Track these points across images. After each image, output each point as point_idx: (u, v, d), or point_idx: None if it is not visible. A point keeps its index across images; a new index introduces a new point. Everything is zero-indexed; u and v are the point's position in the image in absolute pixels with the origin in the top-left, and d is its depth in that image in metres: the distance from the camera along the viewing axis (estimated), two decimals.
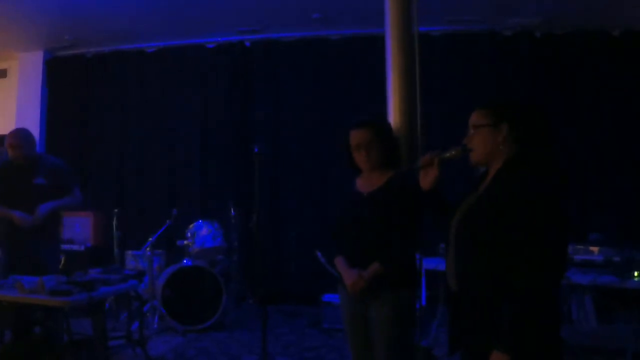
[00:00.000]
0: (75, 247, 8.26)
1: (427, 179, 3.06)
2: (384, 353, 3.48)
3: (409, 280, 3.63)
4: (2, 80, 10.76)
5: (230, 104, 9.62)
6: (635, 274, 5.39)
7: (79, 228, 8.37)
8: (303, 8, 8.32)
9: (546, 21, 8.51)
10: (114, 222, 8.01)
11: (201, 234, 7.72)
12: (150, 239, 7.56)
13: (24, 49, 10.19)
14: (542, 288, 2.47)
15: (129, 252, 8.38)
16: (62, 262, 5.34)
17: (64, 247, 7.42)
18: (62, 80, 10.27)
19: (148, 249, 7.57)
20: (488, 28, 8.86)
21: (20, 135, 5.84)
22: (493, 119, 2.77)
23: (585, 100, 8.61)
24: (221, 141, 9.57)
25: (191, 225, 7.85)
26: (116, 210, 8.05)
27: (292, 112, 9.43)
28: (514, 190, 2.57)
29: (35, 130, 9.54)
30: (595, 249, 6.12)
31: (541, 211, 2.49)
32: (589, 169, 8.43)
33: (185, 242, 7.74)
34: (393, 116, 4.33)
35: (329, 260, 6.20)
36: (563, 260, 2.59)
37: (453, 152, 2.94)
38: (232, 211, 8.23)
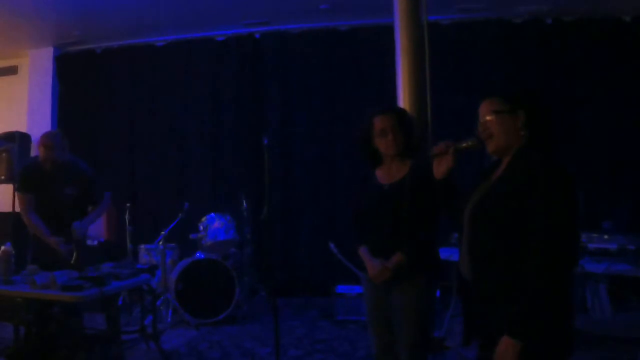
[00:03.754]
0: (88, 242, 8.26)
1: (440, 168, 3.05)
2: (406, 338, 3.56)
3: (431, 266, 3.70)
4: (13, 76, 10.78)
5: (240, 97, 9.61)
6: None
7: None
8: None
9: (556, 8, 8.45)
10: (127, 217, 8.03)
11: (213, 227, 7.73)
12: (163, 232, 7.57)
13: (34, 46, 10.20)
14: (554, 276, 2.46)
15: (142, 246, 8.36)
16: (75, 257, 5.34)
17: None
18: (73, 76, 10.28)
19: (161, 242, 7.58)
20: (498, 16, 8.81)
21: (55, 136, 5.78)
22: (510, 105, 2.75)
23: (597, 87, 8.54)
24: (232, 134, 9.57)
25: (203, 219, 7.86)
26: (128, 204, 8.06)
27: (302, 104, 9.42)
28: (526, 178, 2.55)
29: (46, 126, 9.59)
30: (609, 237, 6.08)
31: (554, 200, 2.48)
32: (602, 157, 8.37)
33: (198, 235, 7.76)
34: (403, 105, 4.32)
35: (348, 252, 6.21)
36: (576, 248, 2.58)
37: (469, 142, 2.92)
38: (244, 204, 8.21)
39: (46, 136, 5.73)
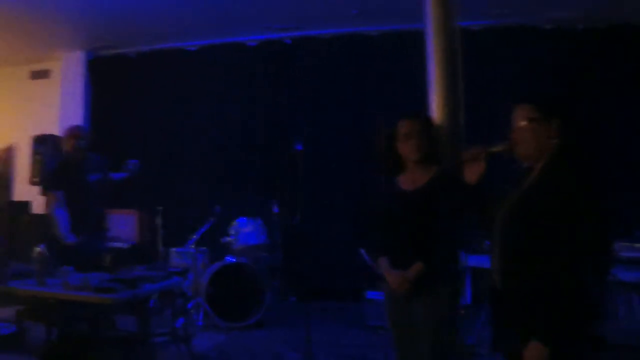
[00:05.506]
0: (120, 245, 8.32)
1: (472, 173, 3.05)
2: (428, 349, 3.49)
3: (452, 276, 3.65)
4: (46, 80, 10.91)
5: (271, 101, 9.66)
6: None
7: (123, 226, 8.43)
8: (342, 4, 8.30)
9: (588, 14, 8.38)
10: (158, 220, 8.07)
11: (244, 231, 7.77)
12: (194, 236, 7.61)
13: (66, 50, 10.31)
14: (586, 284, 2.46)
15: (173, 250, 8.42)
16: (108, 259, 5.43)
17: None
18: (105, 80, 10.37)
19: (192, 246, 7.62)
20: (528, 22, 8.76)
21: (81, 128, 6.39)
22: (543, 112, 2.74)
23: (630, 95, 8.45)
24: (263, 138, 9.60)
25: (235, 223, 7.89)
26: (160, 208, 8.10)
27: (333, 109, 9.41)
28: (560, 185, 2.54)
29: None
30: None
31: (588, 207, 2.48)
32: (635, 164, 8.28)
33: (229, 239, 7.79)
34: (436, 112, 4.32)
35: (374, 259, 6.22)
36: (609, 255, 2.58)
37: (500, 147, 2.92)
38: (275, 208, 8.23)
39: (74, 127, 6.29)
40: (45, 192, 6.05)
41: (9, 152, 10.34)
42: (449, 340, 3.55)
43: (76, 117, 10.09)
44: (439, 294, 3.51)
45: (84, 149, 6.00)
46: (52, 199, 5.87)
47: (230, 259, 7.54)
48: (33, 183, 9.12)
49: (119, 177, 6.43)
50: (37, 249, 5.01)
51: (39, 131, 9.71)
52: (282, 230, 8.34)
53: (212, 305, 7.21)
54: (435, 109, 4.40)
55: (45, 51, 10.32)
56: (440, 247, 3.50)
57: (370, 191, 8.67)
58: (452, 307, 3.59)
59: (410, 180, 3.73)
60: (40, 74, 10.96)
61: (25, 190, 9.59)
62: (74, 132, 6.01)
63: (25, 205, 9.87)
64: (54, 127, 9.93)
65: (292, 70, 9.70)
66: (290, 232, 8.42)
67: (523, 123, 2.79)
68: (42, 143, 9.47)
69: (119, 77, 10.30)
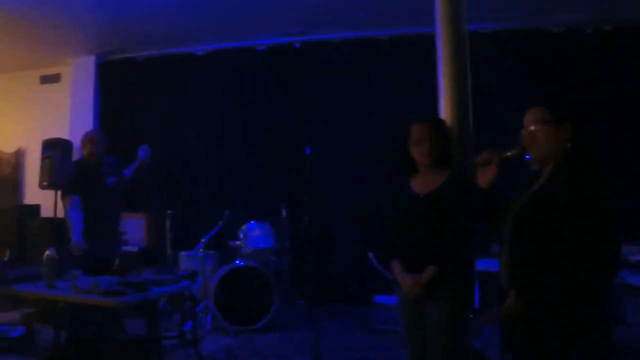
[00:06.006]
0: (128, 248, 8.33)
1: (485, 177, 3.04)
2: (439, 352, 3.50)
3: (465, 279, 3.65)
4: (56, 84, 10.94)
5: (280, 105, 9.65)
6: None
7: (132, 229, 8.46)
8: (351, 8, 8.30)
9: (596, 17, 8.36)
10: (167, 224, 8.08)
11: (253, 235, 7.77)
12: (203, 240, 7.63)
13: (76, 54, 10.34)
14: (595, 285, 2.47)
15: (182, 253, 8.43)
16: (117, 262, 5.46)
17: None
18: (114, 84, 10.41)
19: (201, 249, 7.64)
20: (537, 25, 8.74)
21: (98, 132, 6.67)
22: (557, 115, 2.75)
23: (639, 96, 8.41)
24: (273, 142, 9.58)
25: (243, 227, 7.90)
26: (169, 211, 8.11)
27: (341, 113, 9.40)
28: (570, 188, 2.55)
29: None
30: None
31: (597, 209, 2.48)
32: None
33: (238, 243, 7.80)
34: (445, 115, 4.32)
35: (384, 262, 6.21)
36: (617, 257, 2.58)
37: (514, 151, 2.91)
38: (284, 212, 8.24)
39: (91, 132, 6.42)
40: (62, 196, 6.15)
41: (19, 156, 10.46)
42: (460, 343, 3.57)
43: (86, 121, 10.14)
44: (451, 297, 3.52)
45: (101, 153, 6.09)
46: (68, 203, 5.93)
47: (239, 262, 7.56)
48: (43, 187, 9.14)
49: (132, 169, 6.57)
50: (47, 252, 5.03)
51: (49, 135, 9.73)
52: (290, 234, 8.35)
53: (221, 308, 7.22)
54: (445, 112, 4.40)
55: (55, 56, 10.35)
56: (452, 250, 3.51)
57: (381, 195, 8.70)
58: (464, 310, 3.60)
59: (423, 183, 3.74)
60: (50, 79, 11.00)
61: (36, 193, 9.65)
62: (91, 137, 6.09)
63: (35, 208, 9.94)
64: (63, 131, 9.96)
65: (301, 74, 9.70)
66: (298, 235, 8.42)
67: (537, 126, 2.79)
68: (52, 147, 9.48)
69: (128, 81, 10.35)
